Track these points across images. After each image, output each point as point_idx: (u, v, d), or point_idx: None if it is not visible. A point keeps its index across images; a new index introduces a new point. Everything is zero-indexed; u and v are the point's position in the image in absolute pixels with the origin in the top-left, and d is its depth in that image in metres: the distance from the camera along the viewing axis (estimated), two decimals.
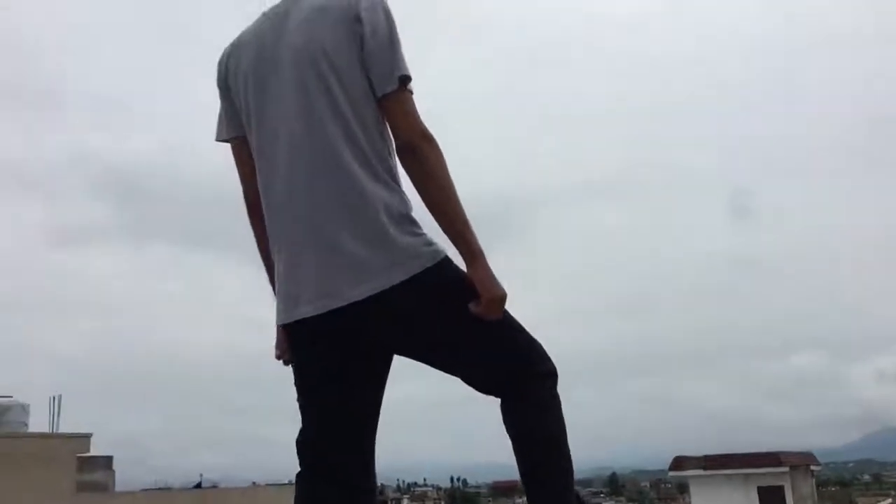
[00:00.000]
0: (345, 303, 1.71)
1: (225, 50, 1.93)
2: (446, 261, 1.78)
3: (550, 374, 1.87)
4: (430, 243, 1.77)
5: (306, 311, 1.75)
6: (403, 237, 1.74)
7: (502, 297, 1.75)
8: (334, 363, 1.79)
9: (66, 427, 16.37)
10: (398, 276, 1.71)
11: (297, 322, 1.78)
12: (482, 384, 1.86)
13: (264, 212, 1.85)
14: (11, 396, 16.06)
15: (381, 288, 1.70)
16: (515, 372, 1.82)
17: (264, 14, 1.90)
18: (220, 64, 1.93)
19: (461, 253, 1.76)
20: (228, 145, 1.94)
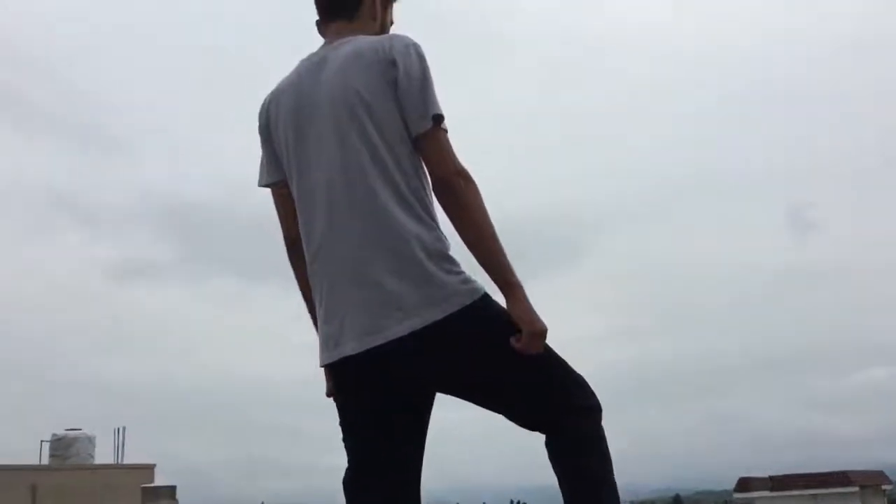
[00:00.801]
0: (384, 341, 1.74)
1: (266, 97, 1.99)
2: (485, 298, 1.80)
3: (594, 409, 1.87)
4: (468, 281, 1.79)
5: (346, 350, 1.78)
6: (442, 275, 1.76)
7: (543, 332, 1.77)
8: (376, 402, 1.82)
9: (130, 458, 16.70)
10: (437, 314, 1.73)
11: (338, 361, 1.81)
12: (525, 420, 1.86)
13: (305, 254, 1.90)
14: (80, 429, 16.45)
15: (420, 326, 1.73)
16: (558, 408, 1.83)
17: (302, 61, 1.96)
18: (261, 111, 2.00)
19: (500, 288, 1.79)
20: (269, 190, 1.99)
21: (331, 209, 1.82)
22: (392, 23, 2.09)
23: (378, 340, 1.74)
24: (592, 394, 1.88)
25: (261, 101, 2.02)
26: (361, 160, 1.79)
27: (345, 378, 1.85)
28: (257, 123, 2.00)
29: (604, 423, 1.87)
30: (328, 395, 1.92)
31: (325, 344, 1.85)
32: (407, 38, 1.88)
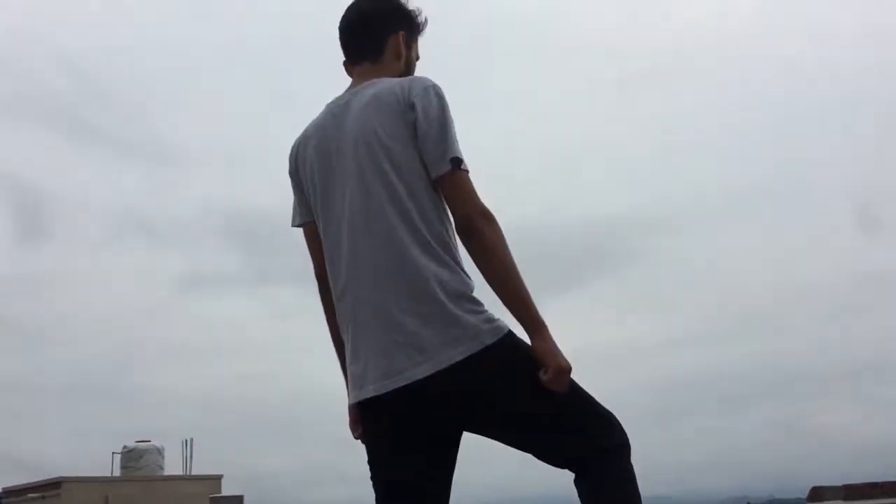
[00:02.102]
0: (406, 382, 1.74)
1: (295, 141, 2.02)
2: (508, 337, 1.79)
3: (622, 446, 1.85)
4: (491, 320, 1.79)
5: (370, 391, 1.80)
6: (464, 315, 1.76)
7: (566, 370, 1.76)
8: (400, 442, 1.83)
9: (198, 468, 17.06)
10: (458, 355, 1.73)
11: (364, 402, 1.83)
12: (553, 458, 1.86)
13: (332, 294, 1.93)
14: (149, 440, 16.88)
15: (442, 367, 1.73)
16: (585, 446, 1.82)
17: (328, 105, 1.99)
18: (290, 155, 2.03)
19: (524, 327, 1.79)
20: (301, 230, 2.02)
21: (354, 251, 1.84)
22: (418, 58, 2.11)
23: (399, 382, 1.75)
24: (621, 430, 1.87)
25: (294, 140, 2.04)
26: (382, 203, 1.81)
27: (369, 418, 1.86)
28: (288, 167, 2.04)
29: (634, 460, 1.85)
30: (355, 436, 1.93)
31: (352, 384, 1.87)
32: (427, 80, 1.90)
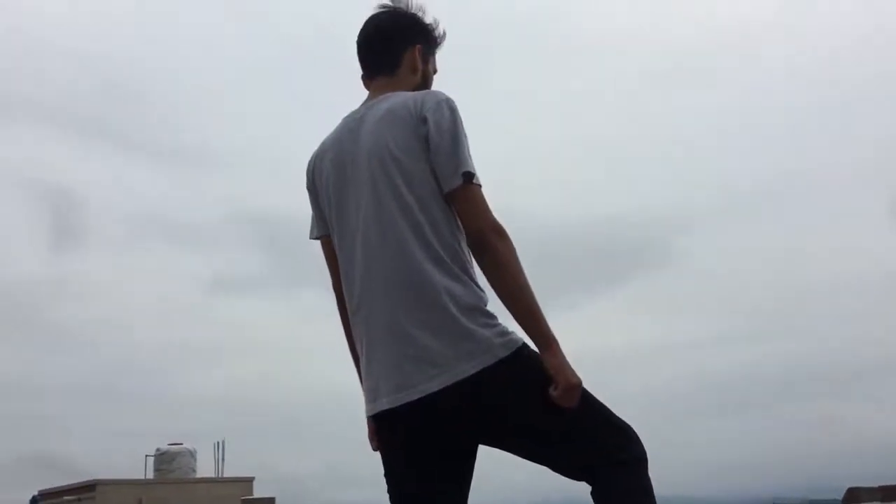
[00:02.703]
0: (419, 395, 1.76)
1: (312, 156, 2.04)
2: (521, 350, 1.80)
3: (639, 459, 1.85)
4: (504, 333, 1.80)
5: (384, 404, 1.81)
6: (476, 329, 1.77)
7: (576, 385, 1.76)
8: (413, 455, 1.84)
9: (229, 470, 17.19)
10: (471, 368, 1.74)
11: (378, 415, 1.85)
12: (568, 471, 1.86)
13: (347, 306, 1.95)
14: (181, 443, 17.04)
15: (455, 380, 1.74)
16: (600, 458, 1.82)
17: (345, 119, 2.01)
18: (307, 169, 2.05)
19: (534, 342, 1.79)
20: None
21: (367, 265, 1.86)
22: (435, 71, 2.12)
23: (412, 396, 1.77)
24: (638, 443, 1.86)
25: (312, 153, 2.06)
26: (394, 217, 1.83)
27: (384, 431, 1.88)
28: (305, 180, 2.06)
29: (651, 471, 1.84)
30: (373, 448, 1.95)
31: (367, 397, 1.89)
32: (440, 94, 1.91)
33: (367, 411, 1.90)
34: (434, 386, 1.75)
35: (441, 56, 2.14)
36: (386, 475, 1.90)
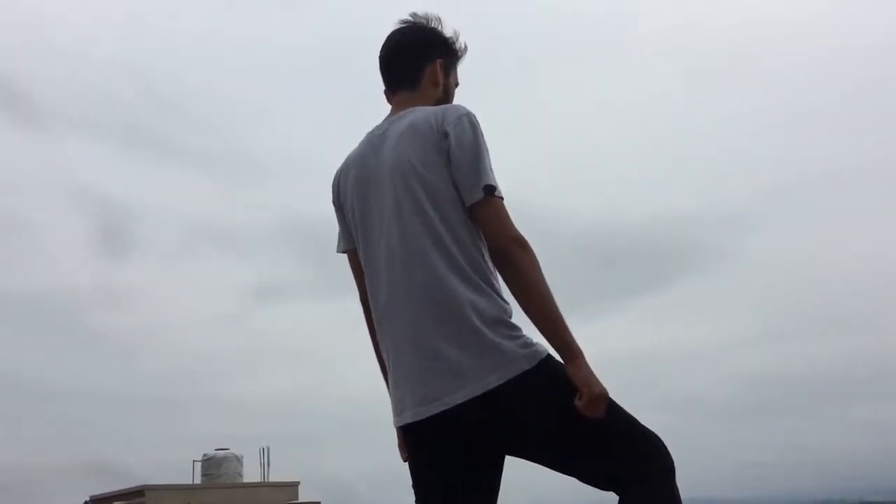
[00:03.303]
0: (443, 408, 1.77)
1: (337, 171, 2.07)
2: (546, 361, 1.80)
3: (666, 469, 1.84)
4: (528, 345, 1.81)
5: (409, 416, 1.84)
6: (500, 341, 1.78)
7: (601, 396, 1.76)
8: (439, 467, 1.86)
9: (275, 475, 17.39)
10: (495, 381, 1.75)
11: (405, 427, 1.87)
12: (596, 482, 1.86)
13: (373, 320, 1.97)
14: (227, 449, 17.29)
15: (478, 393, 1.75)
16: (627, 469, 1.81)
17: (368, 134, 2.03)
18: (333, 184, 2.08)
19: (559, 354, 1.80)
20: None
21: (391, 279, 1.88)
22: (457, 84, 2.14)
23: (437, 408, 1.78)
24: (665, 452, 1.85)
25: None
26: (417, 231, 1.85)
27: (411, 443, 1.91)
28: (331, 195, 2.09)
29: (678, 481, 1.83)
30: (403, 459, 1.97)
31: (394, 409, 1.91)
32: (461, 108, 1.92)
33: (395, 423, 1.92)
34: (458, 398, 1.76)
35: (462, 68, 2.15)
36: (414, 486, 1.92)
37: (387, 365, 1.94)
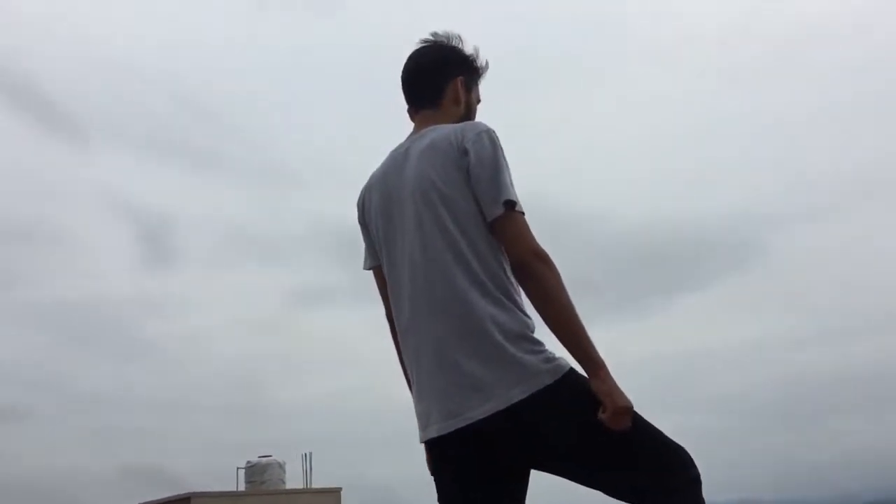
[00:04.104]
0: (467, 423, 1.79)
1: (361, 189, 2.11)
2: (569, 375, 1.81)
3: (693, 481, 1.84)
4: (551, 359, 1.82)
5: (433, 431, 1.86)
6: (522, 355, 1.80)
7: (626, 408, 1.77)
8: (464, 482, 1.88)
9: (317, 481, 17.49)
10: (518, 395, 1.77)
11: (429, 442, 1.90)
12: (621, 495, 1.86)
13: (398, 335, 2.00)
14: (270, 455, 17.44)
15: (501, 407, 1.77)
16: (655, 481, 1.82)
17: (391, 152, 2.07)
18: (358, 202, 2.12)
19: (583, 367, 1.81)
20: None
21: (414, 294, 1.91)
22: (479, 101, 2.17)
23: (460, 423, 1.80)
24: (691, 464, 1.86)
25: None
26: (438, 247, 1.87)
27: (436, 457, 1.93)
28: (356, 214, 2.13)
29: (704, 491, 1.84)
30: (430, 472, 1.99)
31: (419, 423, 1.94)
32: (481, 125, 1.95)
33: (420, 438, 1.94)
34: (481, 413, 1.78)
35: (484, 85, 2.18)
36: (439, 500, 1.94)
37: (411, 380, 1.97)
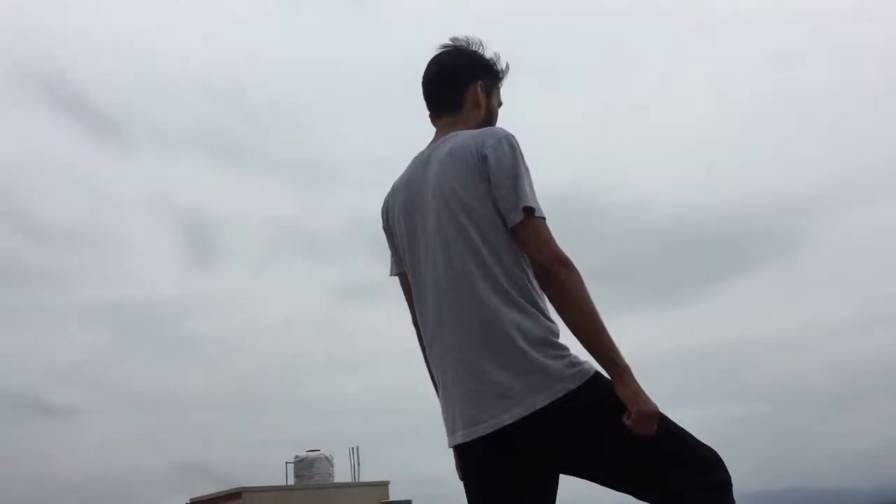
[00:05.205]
0: (492, 429, 1.79)
1: (385, 197, 2.12)
2: (593, 380, 1.81)
3: (723, 485, 1.83)
4: (574, 364, 1.82)
5: (459, 437, 1.87)
6: (545, 361, 1.79)
7: (651, 413, 1.76)
8: (490, 487, 1.89)
9: (365, 475, 17.65)
10: (542, 401, 1.77)
11: (456, 447, 1.91)
12: (651, 498, 1.85)
13: (423, 341, 2.01)
14: (318, 450, 17.62)
15: (526, 413, 1.77)
16: (685, 485, 1.80)
17: (414, 159, 2.07)
18: (382, 210, 2.13)
19: (607, 371, 1.80)
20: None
21: (438, 303, 1.92)
22: (500, 104, 2.16)
23: (486, 429, 1.81)
24: (722, 468, 1.84)
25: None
26: (461, 255, 1.88)
27: (463, 462, 1.94)
28: (381, 221, 2.14)
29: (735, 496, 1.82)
30: (460, 478, 2.00)
31: (446, 429, 1.95)
32: (500, 130, 1.94)
33: (448, 443, 1.95)
34: (507, 419, 1.78)
35: (505, 87, 2.17)
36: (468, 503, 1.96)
37: (437, 385, 1.98)
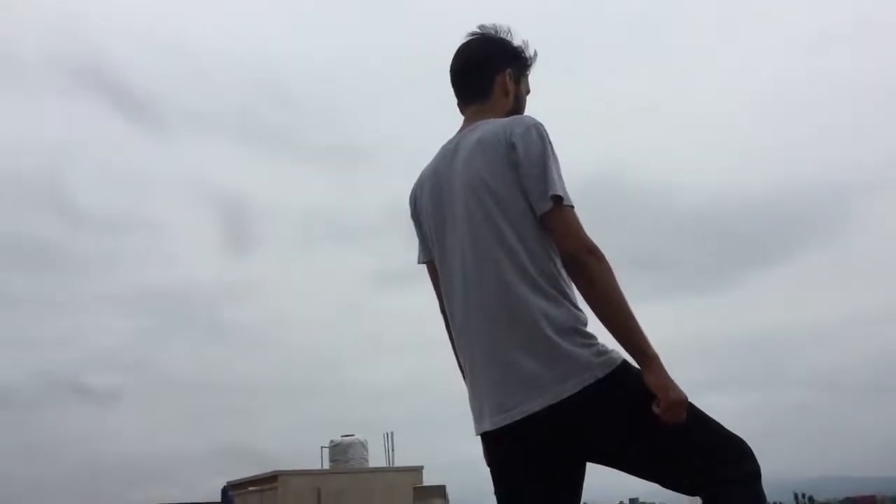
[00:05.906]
0: (520, 417, 1.80)
1: (413, 186, 2.13)
2: (622, 368, 1.81)
3: (752, 474, 1.81)
4: (602, 352, 1.81)
5: (486, 425, 1.87)
6: (573, 349, 1.79)
7: (680, 402, 1.75)
8: (518, 474, 1.88)
9: (399, 460, 17.79)
10: (570, 389, 1.77)
11: (484, 435, 1.91)
12: (678, 487, 1.85)
13: (451, 329, 2.02)
14: (353, 435, 17.78)
15: (554, 401, 1.77)
16: (710, 474, 1.79)
17: (442, 147, 2.08)
18: (410, 198, 2.14)
19: (636, 360, 1.79)
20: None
21: (466, 291, 1.92)
22: (528, 91, 2.16)
23: (513, 417, 1.81)
24: (751, 457, 1.83)
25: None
26: (489, 243, 1.87)
27: (490, 450, 1.95)
28: (409, 210, 2.15)
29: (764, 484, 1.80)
30: (488, 464, 2.00)
31: (473, 416, 1.95)
32: (529, 119, 1.93)
33: (475, 431, 1.96)
34: (535, 407, 1.79)
35: (533, 76, 2.16)
36: (495, 492, 1.96)
37: (465, 373, 1.98)
